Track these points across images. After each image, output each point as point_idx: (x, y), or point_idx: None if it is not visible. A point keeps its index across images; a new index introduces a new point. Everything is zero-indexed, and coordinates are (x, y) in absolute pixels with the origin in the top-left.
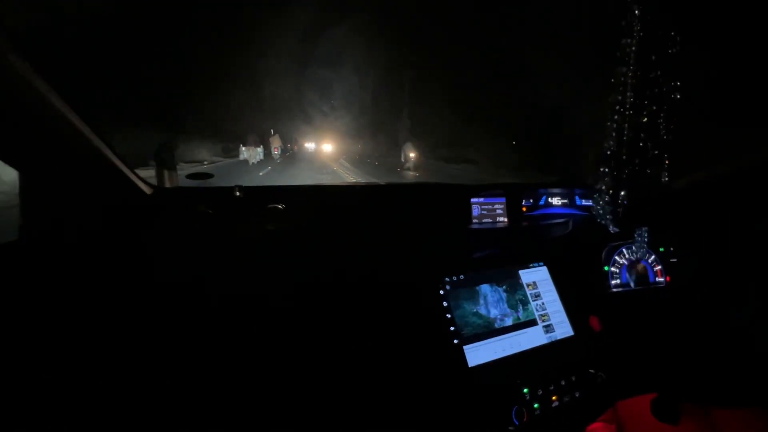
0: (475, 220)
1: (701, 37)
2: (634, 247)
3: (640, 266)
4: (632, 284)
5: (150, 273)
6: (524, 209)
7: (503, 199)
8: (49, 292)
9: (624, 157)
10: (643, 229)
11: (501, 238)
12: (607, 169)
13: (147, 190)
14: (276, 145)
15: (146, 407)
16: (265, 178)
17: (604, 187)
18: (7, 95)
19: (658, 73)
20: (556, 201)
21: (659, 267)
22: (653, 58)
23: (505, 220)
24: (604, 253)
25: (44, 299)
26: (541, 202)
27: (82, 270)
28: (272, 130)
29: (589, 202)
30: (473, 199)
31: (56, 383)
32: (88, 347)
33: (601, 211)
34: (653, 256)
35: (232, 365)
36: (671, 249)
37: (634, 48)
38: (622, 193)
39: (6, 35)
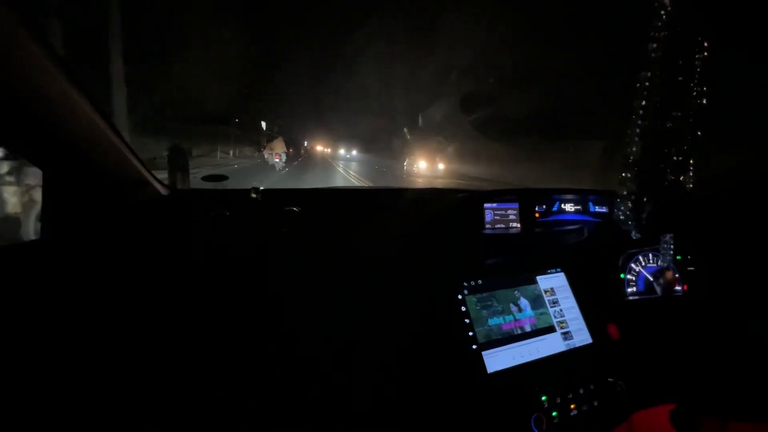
0: (488, 226)
1: (729, 41)
2: (651, 255)
3: (668, 273)
4: (659, 291)
5: (167, 273)
6: (537, 215)
7: (516, 205)
8: (70, 290)
9: (648, 162)
10: (669, 236)
11: (514, 243)
12: (630, 175)
13: (163, 191)
14: (278, 151)
15: (157, 405)
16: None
17: (626, 193)
18: (36, 96)
19: (684, 78)
20: (569, 207)
21: (677, 275)
22: (680, 62)
23: (518, 225)
24: (620, 260)
25: (66, 297)
26: (554, 208)
27: (101, 269)
28: (266, 126)
29: (603, 209)
30: (486, 204)
31: (71, 380)
32: (105, 345)
33: (622, 217)
34: (671, 265)
35: (245, 370)
36: (689, 257)
37: (660, 53)
38: (645, 199)
39: (41, 38)
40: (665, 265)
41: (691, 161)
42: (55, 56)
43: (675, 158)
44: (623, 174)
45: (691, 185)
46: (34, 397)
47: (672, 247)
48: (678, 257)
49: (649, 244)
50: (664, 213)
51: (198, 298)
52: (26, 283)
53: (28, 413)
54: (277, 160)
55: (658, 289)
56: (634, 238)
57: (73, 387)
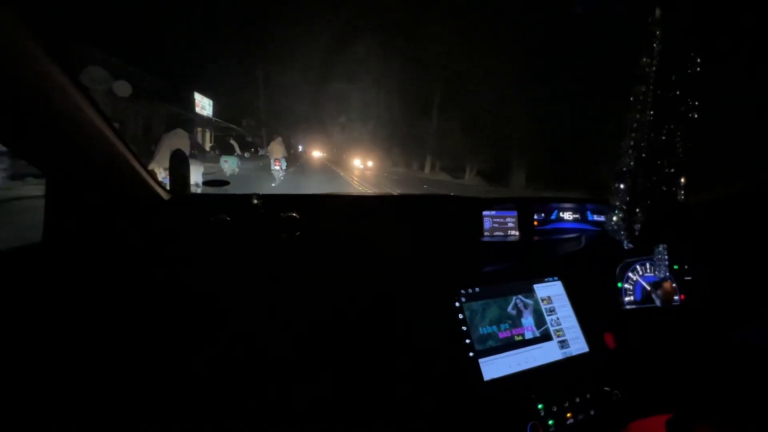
0: (486, 233)
1: (721, 56)
2: (648, 264)
3: (667, 284)
4: (659, 303)
5: (168, 277)
6: (536, 223)
7: (515, 213)
8: (71, 293)
9: (641, 173)
10: (662, 246)
11: (512, 251)
12: (623, 185)
13: (165, 195)
14: (277, 156)
15: (155, 406)
16: None
17: (619, 203)
18: (38, 99)
19: (677, 92)
20: (567, 216)
21: (674, 285)
22: (672, 77)
23: (517, 233)
24: (618, 270)
25: (67, 300)
26: (553, 217)
27: (103, 272)
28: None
29: (601, 218)
30: (485, 212)
31: (72, 382)
32: (106, 347)
33: (615, 227)
34: (668, 274)
35: (243, 372)
36: (686, 267)
37: (653, 67)
38: (638, 209)
39: (45, 43)
40: (662, 276)
41: (683, 173)
42: (59, 61)
43: (667, 170)
44: (616, 185)
45: (682, 196)
46: (35, 398)
47: (667, 257)
48: (675, 267)
49: (646, 253)
50: (656, 223)
51: (199, 301)
52: (27, 286)
53: (29, 414)
54: (276, 167)
55: (657, 301)
56: (626, 248)
57: (74, 388)
